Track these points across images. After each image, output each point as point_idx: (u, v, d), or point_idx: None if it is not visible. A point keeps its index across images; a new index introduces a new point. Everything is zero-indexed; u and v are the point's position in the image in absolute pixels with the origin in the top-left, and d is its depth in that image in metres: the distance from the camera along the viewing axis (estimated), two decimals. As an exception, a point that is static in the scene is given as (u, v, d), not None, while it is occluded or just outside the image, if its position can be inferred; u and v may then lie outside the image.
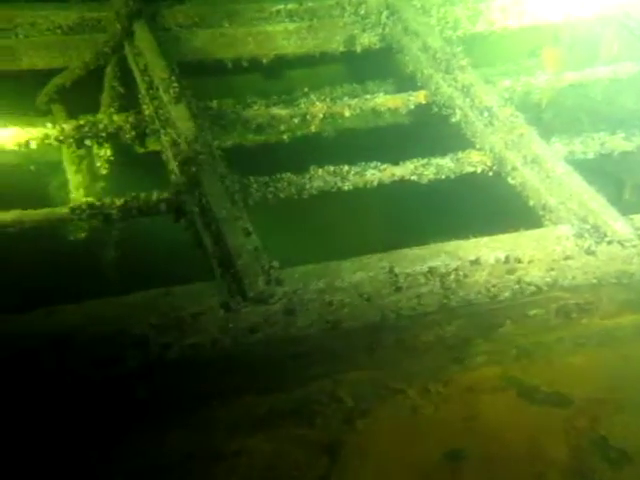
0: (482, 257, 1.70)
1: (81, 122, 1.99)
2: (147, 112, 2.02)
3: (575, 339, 1.81)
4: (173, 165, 1.83)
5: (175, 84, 2.03)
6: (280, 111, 2.31)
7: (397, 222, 2.63)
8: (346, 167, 2.05)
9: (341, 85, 3.13)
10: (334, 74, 2.97)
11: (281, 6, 2.74)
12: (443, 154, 2.23)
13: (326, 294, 1.58)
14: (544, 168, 1.97)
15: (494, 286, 1.74)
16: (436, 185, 2.20)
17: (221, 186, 1.70)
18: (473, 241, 1.73)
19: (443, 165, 2.18)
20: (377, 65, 3.05)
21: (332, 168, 2.02)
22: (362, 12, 2.90)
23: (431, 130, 2.95)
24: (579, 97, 3.70)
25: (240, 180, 1.86)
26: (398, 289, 1.65)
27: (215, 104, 2.15)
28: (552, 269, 1.75)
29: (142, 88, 2.12)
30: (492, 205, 2.34)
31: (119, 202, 1.72)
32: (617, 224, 1.71)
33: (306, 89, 2.60)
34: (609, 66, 2.74)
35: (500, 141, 2.14)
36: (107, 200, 1.75)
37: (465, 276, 1.70)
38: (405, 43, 2.74)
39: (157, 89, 2.05)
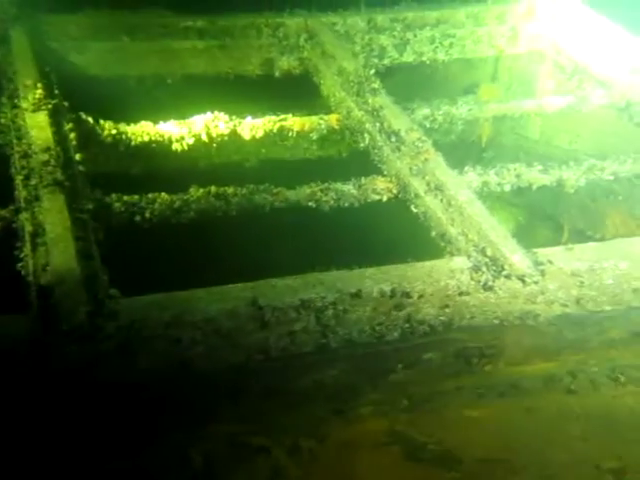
0: (364, 290, 1.53)
1: None
2: (3, 121, 1.87)
3: (475, 389, 1.64)
4: (19, 178, 1.66)
5: (38, 92, 1.89)
6: (170, 129, 2.18)
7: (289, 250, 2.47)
8: (231, 189, 1.92)
9: (262, 111, 3.06)
10: (251, 98, 2.89)
11: (189, 23, 2.67)
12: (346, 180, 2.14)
13: (173, 329, 1.39)
14: (447, 196, 1.87)
15: (380, 324, 1.57)
16: (339, 211, 2.09)
17: (64, 203, 1.54)
18: (356, 272, 1.58)
19: (345, 191, 2.08)
20: (298, 90, 2.99)
21: (214, 190, 1.88)
22: (280, 34, 2.87)
23: (348, 157, 2.88)
24: (517, 137, 3.76)
25: (99, 199, 1.70)
26: (264, 325, 1.48)
27: (91, 119, 2.01)
28: (446, 306, 1.60)
29: (5, 96, 1.97)
30: (399, 235, 2.23)
31: (-63, 218, 1.52)
32: (515, 257, 1.59)
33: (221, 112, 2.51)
34: (535, 100, 2.75)
35: (406, 167, 2.06)
36: None
37: (345, 312, 1.53)
38: (322, 67, 2.70)
39: (19, 97, 1.91)
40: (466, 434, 1.49)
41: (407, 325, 1.58)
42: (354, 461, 1.42)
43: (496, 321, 1.62)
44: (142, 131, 2.10)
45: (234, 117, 2.23)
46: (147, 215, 1.74)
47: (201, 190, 1.84)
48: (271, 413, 1.49)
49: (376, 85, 2.32)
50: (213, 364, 1.41)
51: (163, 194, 1.79)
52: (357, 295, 1.51)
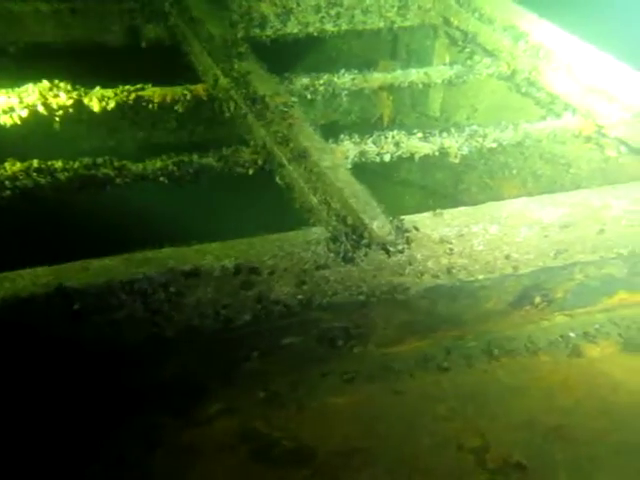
0: (203, 268, 1.37)
1: None
2: None
3: (343, 374, 1.52)
4: None
5: None
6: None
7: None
8: (60, 163, 1.69)
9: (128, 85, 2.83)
10: (114, 72, 2.65)
11: (30, -17, 2.41)
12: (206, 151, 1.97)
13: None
14: (310, 163, 1.75)
15: (226, 307, 1.42)
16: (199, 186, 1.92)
17: None
18: (193, 248, 1.40)
19: (204, 164, 1.91)
20: (170, 62, 2.79)
21: (37, 164, 1.64)
22: (144, -1, 2.67)
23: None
24: (419, 115, 3.75)
25: None
26: (75, 316, 1.29)
27: None
28: (303, 282, 1.47)
29: None
30: (268, 210, 2.10)
31: None
32: (375, 224, 1.49)
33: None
34: (421, 69, 2.71)
35: (270, 135, 1.92)
36: None
37: (180, 294, 1.36)
38: (189, 34, 2.52)
39: None
40: (327, 425, 1.36)
41: (259, 306, 1.43)
42: (191, 469, 1.26)
43: (362, 297, 1.51)
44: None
45: (77, 85, 2.01)
46: None
47: (19, 164, 1.61)
48: (91, 421, 1.30)
49: (243, 49, 2.17)
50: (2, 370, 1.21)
51: None
52: (194, 274, 1.34)
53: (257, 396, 1.42)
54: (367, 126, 3.86)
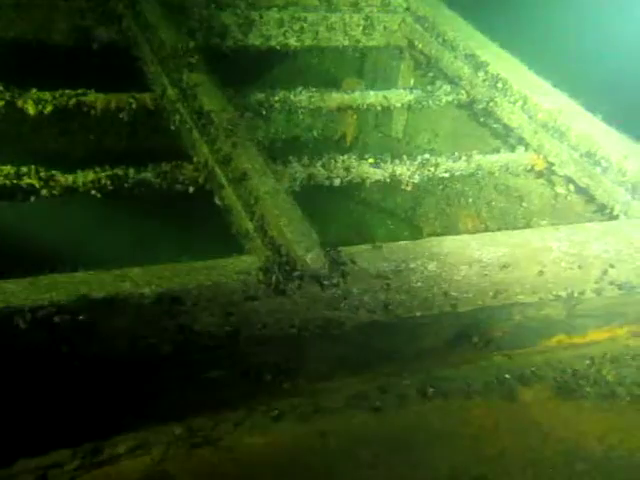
0: (121, 296, 1.31)
1: None
2: None
3: (268, 411, 1.47)
4: None
5: None
6: None
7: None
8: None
9: (74, 88, 2.73)
10: (60, 74, 2.54)
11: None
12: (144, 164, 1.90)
13: None
14: (249, 186, 1.69)
15: (147, 338, 1.36)
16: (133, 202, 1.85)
17: None
18: (112, 273, 1.32)
19: (141, 179, 1.83)
20: (122, 67, 2.71)
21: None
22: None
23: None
24: (382, 136, 3.75)
25: None
26: None
27: None
28: (230, 314, 1.42)
29: None
30: (207, 234, 2.04)
31: None
32: (309, 255, 1.44)
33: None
34: (380, 91, 2.70)
35: (213, 152, 1.86)
36: None
37: (93, 323, 1.29)
38: (141, 39, 2.45)
39: None
40: (243, 469, 1.31)
41: (181, 337, 1.37)
42: (91, 514, 1.19)
43: (293, 330, 1.46)
44: None
45: (12, 86, 1.91)
46: None
47: None
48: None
49: (194, 60, 2.11)
50: None
51: None
52: (109, 302, 1.27)
53: (173, 434, 1.35)
54: (330, 143, 3.84)
